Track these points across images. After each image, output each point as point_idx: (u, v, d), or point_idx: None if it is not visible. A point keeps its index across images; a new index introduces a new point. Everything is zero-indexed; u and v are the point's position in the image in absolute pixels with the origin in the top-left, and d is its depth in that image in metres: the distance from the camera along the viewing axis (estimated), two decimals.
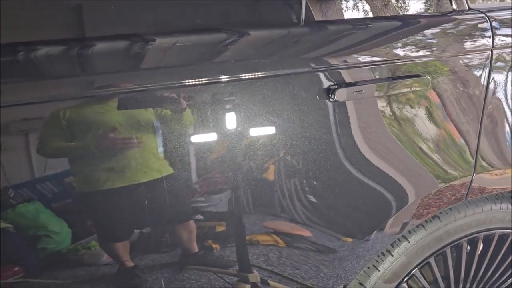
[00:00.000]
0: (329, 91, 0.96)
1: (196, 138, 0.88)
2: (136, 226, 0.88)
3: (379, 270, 1.20)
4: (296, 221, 1.01)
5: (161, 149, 0.85)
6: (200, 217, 0.92)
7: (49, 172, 0.78)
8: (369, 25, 1.06)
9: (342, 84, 0.97)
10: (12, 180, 0.76)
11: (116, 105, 0.81)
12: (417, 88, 1.06)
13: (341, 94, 0.96)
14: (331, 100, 0.96)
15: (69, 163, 0.80)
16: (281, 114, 0.93)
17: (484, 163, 1.20)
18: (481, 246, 1.33)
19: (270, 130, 0.93)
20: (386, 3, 1.15)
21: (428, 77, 1.06)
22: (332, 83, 0.96)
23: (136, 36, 0.84)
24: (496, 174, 1.25)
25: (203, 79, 0.85)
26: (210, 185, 0.91)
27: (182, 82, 0.84)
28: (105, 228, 0.86)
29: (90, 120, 0.80)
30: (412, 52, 1.07)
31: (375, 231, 1.11)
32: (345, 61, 0.99)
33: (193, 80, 0.85)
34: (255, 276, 1.01)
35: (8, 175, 0.75)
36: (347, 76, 0.99)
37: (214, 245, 0.96)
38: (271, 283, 1.03)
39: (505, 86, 1.20)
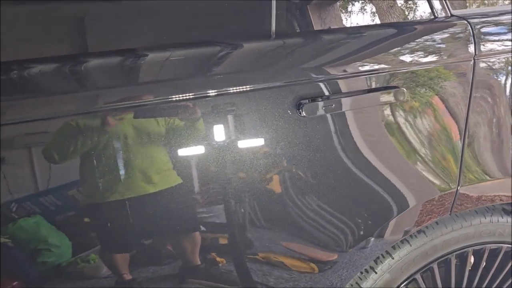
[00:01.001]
0: (299, 106, 0.93)
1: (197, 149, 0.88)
2: (142, 237, 0.88)
3: None
4: (300, 237, 1.00)
5: (169, 160, 0.85)
6: (204, 228, 0.92)
7: (51, 185, 0.79)
8: (342, 35, 1.02)
9: (314, 98, 0.94)
10: (14, 194, 0.77)
11: (130, 116, 0.82)
12: (393, 100, 1.02)
13: (309, 109, 0.92)
14: (302, 115, 0.93)
15: (76, 174, 0.81)
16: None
17: (470, 175, 1.16)
18: (471, 260, 1.28)
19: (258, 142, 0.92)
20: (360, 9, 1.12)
21: (404, 89, 1.02)
22: (305, 98, 0.93)
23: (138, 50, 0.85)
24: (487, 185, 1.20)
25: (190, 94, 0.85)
26: (216, 196, 0.91)
27: (169, 98, 0.84)
28: (109, 240, 0.86)
29: (98, 131, 0.81)
30: (391, 62, 1.03)
31: (373, 238, 1.08)
32: (319, 74, 0.96)
33: (180, 96, 0.84)
34: None
35: (11, 189, 0.76)
36: (321, 90, 0.96)
37: (219, 259, 0.94)
38: None
39: (490, 94, 1.15)
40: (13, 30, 0.79)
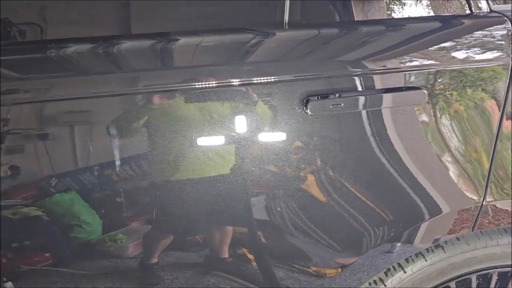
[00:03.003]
0: (306, 103, 0.87)
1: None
2: (182, 223, 0.87)
3: None
4: (323, 240, 0.95)
5: (231, 145, 0.85)
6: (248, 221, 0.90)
7: (90, 164, 0.81)
8: (364, 29, 0.94)
9: (321, 95, 0.87)
10: (55, 169, 0.79)
11: (186, 99, 0.81)
12: (413, 102, 0.93)
13: (315, 107, 0.86)
14: (308, 112, 0.86)
15: (112, 154, 0.81)
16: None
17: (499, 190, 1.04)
18: (495, 283, 1.17)
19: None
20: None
21: (425, 91, 0.92)
22: (313, 94, 0.87)
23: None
24: None
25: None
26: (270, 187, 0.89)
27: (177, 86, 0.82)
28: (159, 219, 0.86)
29: (165, 110, 0.81)
30: (417, 60, 0.94)
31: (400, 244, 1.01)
32: (333, 69, 0.89)
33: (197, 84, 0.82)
34: None
35: (53, 164, 0.79)
36: (331, 86, 0.89)
37: (249, 256, 0.92)
38: None
39: None
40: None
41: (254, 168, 0.87)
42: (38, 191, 0.79)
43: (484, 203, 1.03)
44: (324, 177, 0.92)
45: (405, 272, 1.08)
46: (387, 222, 0.98)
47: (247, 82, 0.84)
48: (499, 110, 1.01)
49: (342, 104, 0.87)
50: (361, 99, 0.89)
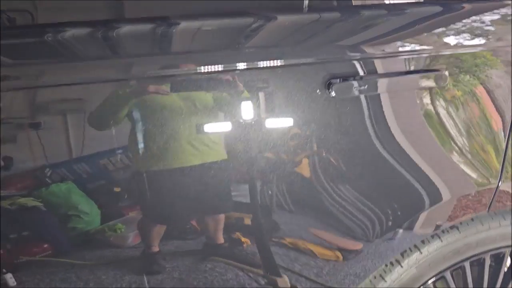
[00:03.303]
0: (329, 85, 0.87)
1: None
2: (179, 210, 0.87)
3: (385, 281, 1.10)
4: (327, 223, 0.96)
5: (216, 133, 0.84)
6: (240, 207, 0.90)
7: (85, 153, 0.80)
8: (383, 11, 0.95)
9: (345, 77, 0.88)
10: (49, 159, 0.78)
11: (172, 87, 0.81)
12: (433, 85, 0.94)
13: (340, 89, 0.87)
14: (331, 95, 0.87)
15: (108, 143, 0.80)
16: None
17: None
18: (508, 262, 1.20)
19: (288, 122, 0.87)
20: None
21: (446, 73, 0.94)
22: (335, 77, 0.87)
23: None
24: None
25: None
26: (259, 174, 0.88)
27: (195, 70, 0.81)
28: (150, 209, 0.87)
29: (149, 100, 0.80)
30: (434, 43, 0.95)
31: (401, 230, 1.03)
32: (358, 52, 0.90)
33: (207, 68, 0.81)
34: (284, 281, 0.96)
35: (46, 154, 0.77)
36: (356, 69, 0.89)
37: (243, 239, 0.92)
38: None
39: None
40: None
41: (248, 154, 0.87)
42: (34, 181, 0.78)
43: (499, 185, 1.05)
44: (318, 162, 0.93)
45: (421, 253, 1.10)
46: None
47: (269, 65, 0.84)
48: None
49: (366, 86, 0.88)
50: (384, 81, 0.90)
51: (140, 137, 0.81)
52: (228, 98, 0.83)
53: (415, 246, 1.10)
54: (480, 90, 1.01)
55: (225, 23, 0.85)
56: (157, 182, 0.84)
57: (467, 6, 1.01)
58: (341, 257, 1.00)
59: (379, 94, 0.91)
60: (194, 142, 0.84)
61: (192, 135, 0.83)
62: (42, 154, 0.77)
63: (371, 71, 0.90)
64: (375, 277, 1.10)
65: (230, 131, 0.84)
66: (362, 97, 0.90)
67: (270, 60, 0.84)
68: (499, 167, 1.06)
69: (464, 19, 1.00)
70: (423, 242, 1.10)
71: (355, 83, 0.87)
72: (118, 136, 0.81)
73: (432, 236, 1.10)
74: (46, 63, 0.76)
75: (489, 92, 1.02)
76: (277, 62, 0.85)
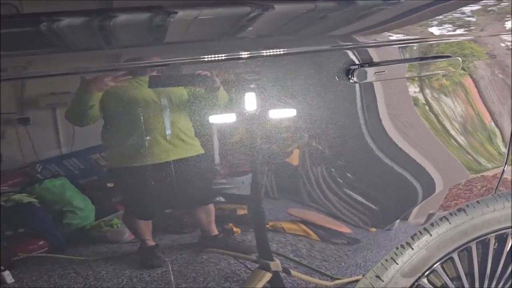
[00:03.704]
0: (349, 72, 0.89)
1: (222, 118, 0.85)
2: (160, 205, 0.87)
3: (397, 263, 1.13)
4: (320, 210, 0.97)
5: (191, 128, 0.83)
6: (222, 199, 0.91)
7: (76, 148, 0.78)
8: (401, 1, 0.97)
9: (363, 64, 0.90)
10: (40, 155, 0.77)
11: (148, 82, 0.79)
12: (446, 71, 0.97)
13: (360, 75, 0.89)
14: (351, 81, 0.89)
15: (98, 137, 0.79)
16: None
17: None
18: (510, 242, 1.25)
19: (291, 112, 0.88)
20: None
21: (459, 58, 0.97)
22: (354, 63, 0.89)
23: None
24: None
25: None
26: (235, 167, 0.88)
27: (200, 58, 0.81)
28: (130, 205, 0.86)
29: (122, 94, 0.78)
30: (447, 31, 0.98)
31: (398, 221, 1.06)
32: (373, 39, 0.92)
33: (212, 56, 0.81)
34: (276, 264, 0.97)
35: (37, 150, 0.76)
36: (371, 56, 0.92)
37: (235, 229, 0.93)
38: (293, 272, 1.00)
39: None
40: None
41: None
42: (27, 177, 0.77)
43: (505, 168, 1.10)
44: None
45: (431, 235, 1.14)
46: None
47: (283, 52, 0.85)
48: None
49: (385, 71, 0.90)
50: (402, 67, 0.92)
51: (113, 132, 0.80)
52: (204, 93, 0.82)
53: (425, 229, 1.13)
54: (468, 81, 1.05)
55: (212, 13, 0.84)
56: (134, 178, 0.83)
57: None
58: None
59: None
60: (169, 138, 0.83)
61: (167, 130, 0.82)
62: (35, 150, 0.76)
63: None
64: (386, 260, 1.13)
65: (206, 126, 0.84)
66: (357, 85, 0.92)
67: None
68: (494, 152, 1.10)
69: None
70: (432, 225, 1.14)
71: (375, 69, 0.89)
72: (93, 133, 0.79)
73: (441, 219, 1.14)
74: (33, 54, 0.74)
75: (476, 82, 1.05)
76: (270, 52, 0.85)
